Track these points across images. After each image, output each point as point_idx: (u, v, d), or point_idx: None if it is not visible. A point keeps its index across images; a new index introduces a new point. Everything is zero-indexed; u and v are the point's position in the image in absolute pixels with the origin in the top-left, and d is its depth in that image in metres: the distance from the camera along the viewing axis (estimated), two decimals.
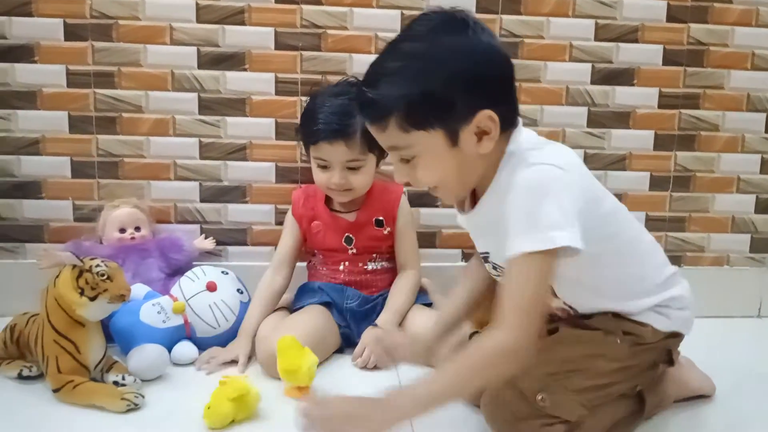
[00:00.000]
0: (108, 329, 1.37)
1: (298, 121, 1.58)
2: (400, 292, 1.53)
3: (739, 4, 1.70)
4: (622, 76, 1.72)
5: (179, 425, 1.16)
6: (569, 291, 1.13)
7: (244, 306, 1.52)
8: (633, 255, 1.12)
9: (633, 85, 1.72)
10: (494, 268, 1.13)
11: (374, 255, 1.57)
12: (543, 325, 1.18)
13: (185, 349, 1.42)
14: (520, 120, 1.06)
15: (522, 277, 0.95)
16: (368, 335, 1.44)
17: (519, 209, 0.96)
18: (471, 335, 1.35)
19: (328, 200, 1.58)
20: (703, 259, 1.83)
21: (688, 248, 1.82)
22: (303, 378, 1.26)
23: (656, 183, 1.78)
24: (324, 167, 1.49)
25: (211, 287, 1.50)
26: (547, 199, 0.94)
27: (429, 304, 1.56)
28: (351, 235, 1.55)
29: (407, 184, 1.28)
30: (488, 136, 0.98)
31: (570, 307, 1.16)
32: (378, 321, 1.47)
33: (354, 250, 1.56)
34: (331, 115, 1.44)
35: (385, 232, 1.56)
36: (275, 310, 1.54)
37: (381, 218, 1.56)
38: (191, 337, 1.46)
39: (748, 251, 1.84)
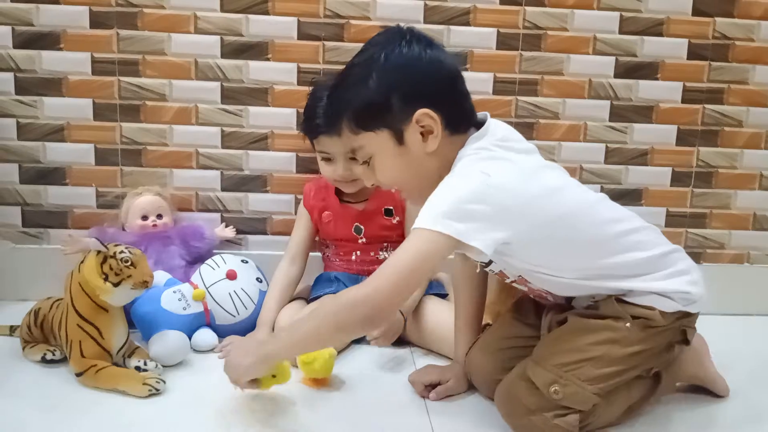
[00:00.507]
0: (129, 315, 1.38)
1: None
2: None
3: None
4: (646, 70, 1.70)
5: (200, 410, 1.18)
6: (534, 280, 1.15)
7: (263, 294, 1.53)
8: (603, 244, 1.12)
9: (657, 79, 1.71)
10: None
11: (385, 244, 1.58)
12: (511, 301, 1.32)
13: (205, 336, 1.44)
14: (495, 127, 1.10)
15: (405, 247, 1.01)
16: None
17: (435, 192, 1.03)
18: (484, 327, 1.37)
19: (338, 191, 1.58)
20: (723, 256, 1.81)
21: (708, 245, 1.80)
22: (320, 370, 1.27)
23: (678, 178, 1.76)
24: (328, 160, 1.50)
25: (231, 275, 1.51)
26: (455, 193, 1.01)
27: (444, 295, 1.57)
28: (360, 225, 1.56)
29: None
30: (432, 134, 1.07)
31: (547, 292, 1.18)
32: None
33: (364, 240, 1.57)
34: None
35: (395, 221, 1.57)
36: (293, 300, 1.56)
37: (390, 207, 1.57)
38: (211, 325, 1.47)
39: None
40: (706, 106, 1.73)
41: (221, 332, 1.47)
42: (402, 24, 1.12)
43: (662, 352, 1.15)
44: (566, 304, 1.20)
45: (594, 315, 1.13)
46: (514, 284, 1.20)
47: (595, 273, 1.12)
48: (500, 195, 1.01)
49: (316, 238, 1.64)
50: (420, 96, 1.06)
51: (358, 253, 1.58)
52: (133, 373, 1.26)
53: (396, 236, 1.58)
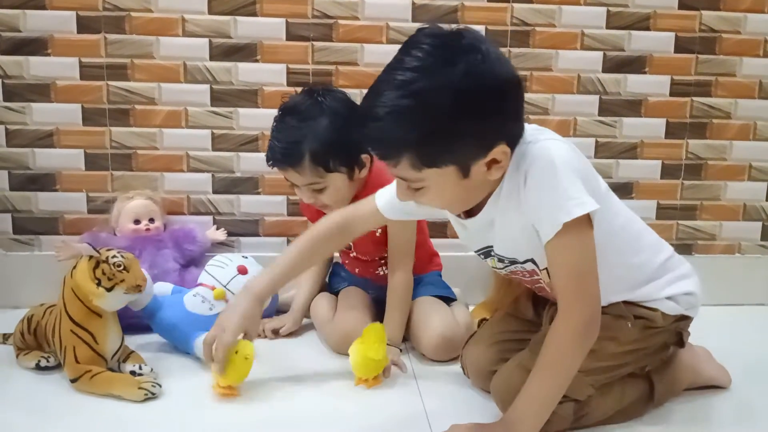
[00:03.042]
0: (122, 321, 1.35)
1: None
2: (396, 304, 1.45)
3: None
4: (634, 64, 1.71)
5: (196, 414, 1.18)
6: None
7: None
8: (628, 239, 1.12)
9: (645, 73, 1.72)
10: (500, 260, 1.14)
11: (381, 260, 1.55)
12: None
13: None
14: None
15: (567, 252, 0.98)
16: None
17: (543, 186, 0.97)
18: (480, 322, 1.37)
19: None
20: (715, 247, 1.83)
21: (699, 236, 1.81)
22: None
23: (668, 171, 1.77)
24: (293, 185, 1.43)
25: (243, 270, 1.52)
26: (566, 171, 0.96)
27: (450, 299, 1.55)
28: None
29: None
30: (498, 165, 0.98)
31: None
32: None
33: (354, 254, 1.56)
34: (275, 142, 1.37)
35: (378, 233, 1.48)
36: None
37: None
38: None
39: (759, 239, 1.84)
40: (695, 99, 1.74)
41: None
42: (460, 26, 0.97)
43: (657, 352, 1.17)
44: None
45: None
46: (522, 281, 1.19)
47: (618, 275, 1.10)
48: (577, 157, 1.01)
49: None
50: (499, 129, 0.95)
51: (358, 270, 1.59)
52: (128, 377, 1.26)
53: (387, 249, 1.51)
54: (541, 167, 0.97)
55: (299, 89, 1.52)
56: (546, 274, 1.10)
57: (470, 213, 1.09)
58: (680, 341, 1.19)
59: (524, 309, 1.28)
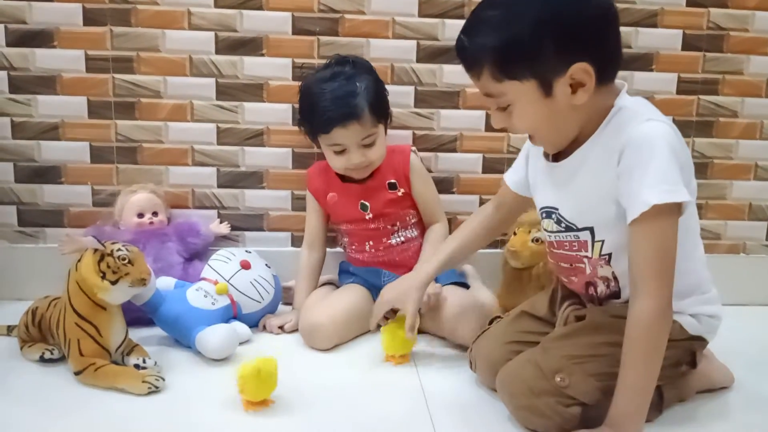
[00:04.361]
0: (126, 314, 1.36)
1: None
2: (430, 246, 1.57)
3: None
4: (641, 62, 1.70)
5: (199, 408, 1.18)
6: (621, 261, 1.10)
7: (277, 279, 1.60)
8: (690, 244, 1.11)
9: (651, 70, 1.71)
10: (557, 223, 1.13)
11: (395, 226, 1.58)
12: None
13: (241, 329, 1.46)
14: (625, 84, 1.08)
15: (653, 236, 0.98)
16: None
17: (643, 162, 0.97)
18: (492, 320, 1.37)
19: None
20: (720, 246, 1.82)
21: (704, 236, 1.77)
22: (402, 346, 1.36)
23: None
24: (340, 152, 1.50)
25: (246, 265, 1.54)
26: (670, 156, 0.97)
27: (465, 285, 1.58)
28: (365, 201, 1.56)
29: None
30: (583, 88, 0.99)
31: (615, 279, 1.13)
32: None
33: (370, 215, 1.57)
34: (336, 100, 1.45)
35: (399, 193, 1.56)
36: (323, 285, 1.63)
37: (393, 181, 1.56)
38: (237, 316, 1.50)
39: (764, 239, 1.83)
40: (701, 97, 1.73)
41: (246, 321, 1.51)
42: None
43: (668, 368, 1.12)
44: (594, 302, 1.19)
45: (613, 315, 1.11)
46: (562, 257, 1.18)
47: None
48: (683, 148, 1.01)
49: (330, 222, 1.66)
50: (577, 45, 0.97)
51: (371, 242, 1.59)
52: (132, 370, 1.26)
53: (403, 212, 1.58)
54: (649, 142, 0.97)
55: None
56: (598, 248, 1.09)
57: (557, 159, 1.12)
58: (693, 361, 1.18)
59: (540, 306, 1.27)
